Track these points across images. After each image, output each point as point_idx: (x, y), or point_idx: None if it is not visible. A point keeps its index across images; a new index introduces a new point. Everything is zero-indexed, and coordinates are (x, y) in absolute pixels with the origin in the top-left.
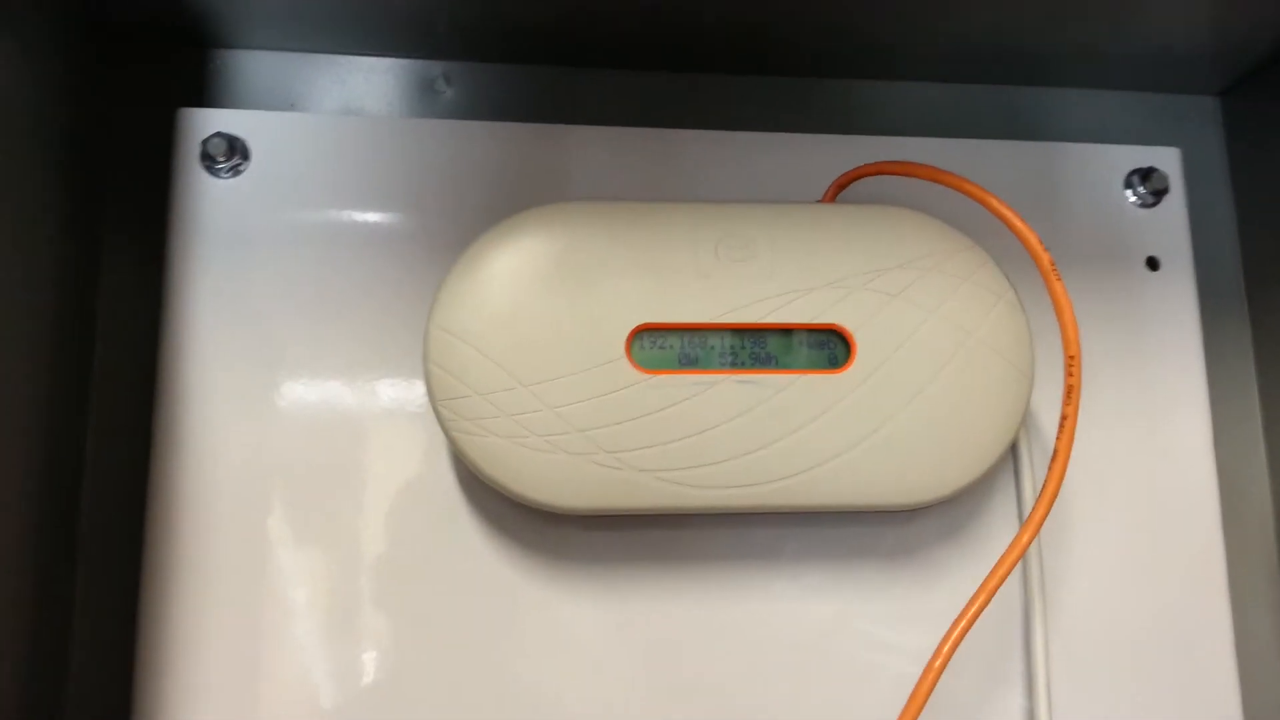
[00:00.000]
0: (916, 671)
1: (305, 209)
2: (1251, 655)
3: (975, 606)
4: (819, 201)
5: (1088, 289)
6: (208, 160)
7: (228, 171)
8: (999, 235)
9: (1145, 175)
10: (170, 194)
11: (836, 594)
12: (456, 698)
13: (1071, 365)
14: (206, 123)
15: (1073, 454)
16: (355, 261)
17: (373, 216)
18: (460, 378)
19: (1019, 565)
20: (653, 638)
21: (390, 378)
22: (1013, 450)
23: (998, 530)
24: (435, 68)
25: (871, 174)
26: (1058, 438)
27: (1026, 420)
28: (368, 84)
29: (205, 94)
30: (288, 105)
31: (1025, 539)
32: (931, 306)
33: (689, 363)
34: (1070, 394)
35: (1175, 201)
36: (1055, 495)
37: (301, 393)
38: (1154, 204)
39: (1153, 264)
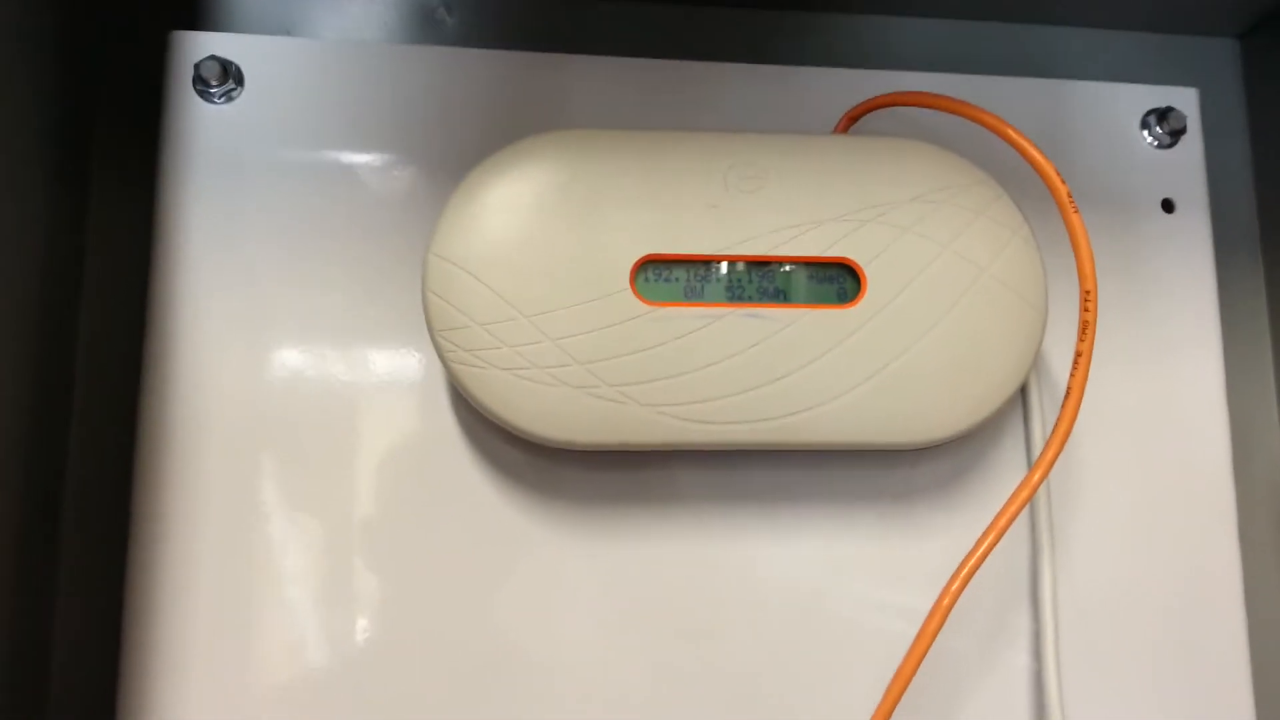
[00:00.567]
0: (920, 614)
1: (300, 136)
2: (1260, 601)
3: (984, 545)
4: (832, 133)
5: (1101, 231)
6: (201, 84)
7: (221, 97)
8: (1011, 174)
9: (1162, 115)
10: (162, 119)
11: (839, 537)
12: (449, 639)
13: (1087, 300)
14: (200, 46)
15: (1083, 396)
16: (351, 191)
17: (370, 145)
18: (460, 307)
19: (1026, 510)
20: (651, 579)
21: (388, 310)
22: (1021, 393)
23: (1004, 475)
24: None
25: (886, 105)
26: (1071, 375)
27: (1036, 361)
28: (366, 12)
29: (199, 17)
30: (283, 32)
31: (1036, 478)
32: (944, 241)
33: (694, 295)
34: (1085, 330)
35: (1192, 143)
36: (1068, 434)
37: (295, 324)
38: (1170, 145)
39: (1168, 206)
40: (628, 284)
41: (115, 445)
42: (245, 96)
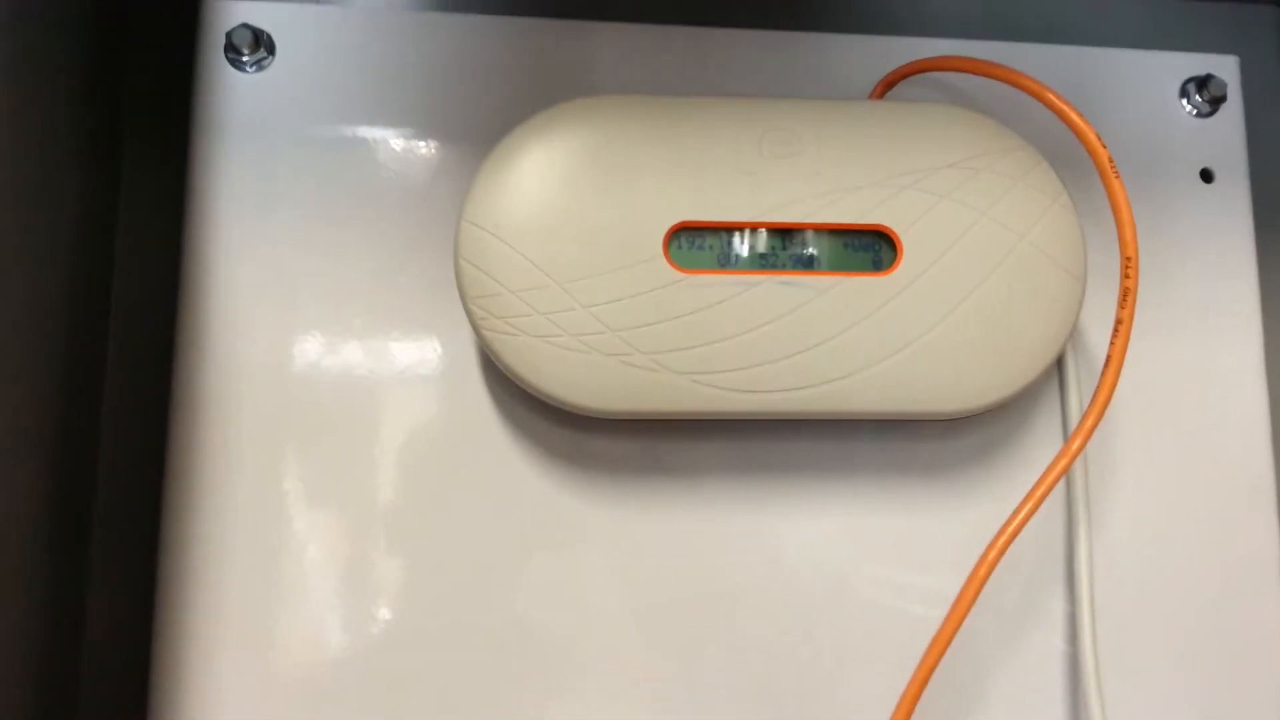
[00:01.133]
0: (945, 591)
1: (332, 105)
2: None
3: (1021, 515)
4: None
5: (1139, 200)
6: (232, 53)
7: (252, 65)
8: (1044, 142)
9: (1202, 83)
10: (193, 88)
11: (866, 511)
12: (478, 611)
13: (1128, 267)
14: (231, 14)
15: (1123, 365)
16: (383, 159)
17: (401, 113)
18: (492, 274)
19: (1058, 488)
20: (678, 552)
21: (419, 278)
22: (1058, 364)
23: (1039, 447)
24: None
25: (924, 70)
26: (1111, 343)
27: (1074, 331)
28: None
29: None
30: (313, 0)
31: (1076, 445)
32: (982, 208)
33: (728, 262)
34: (1126, 298)
35: (1232, 111)
36: (1107, 402)
37: (327, 293)
38: (1210, 114)
39: (1207, 176)
40: (661, 251)
41: (147, 422)
42: (276, 65)
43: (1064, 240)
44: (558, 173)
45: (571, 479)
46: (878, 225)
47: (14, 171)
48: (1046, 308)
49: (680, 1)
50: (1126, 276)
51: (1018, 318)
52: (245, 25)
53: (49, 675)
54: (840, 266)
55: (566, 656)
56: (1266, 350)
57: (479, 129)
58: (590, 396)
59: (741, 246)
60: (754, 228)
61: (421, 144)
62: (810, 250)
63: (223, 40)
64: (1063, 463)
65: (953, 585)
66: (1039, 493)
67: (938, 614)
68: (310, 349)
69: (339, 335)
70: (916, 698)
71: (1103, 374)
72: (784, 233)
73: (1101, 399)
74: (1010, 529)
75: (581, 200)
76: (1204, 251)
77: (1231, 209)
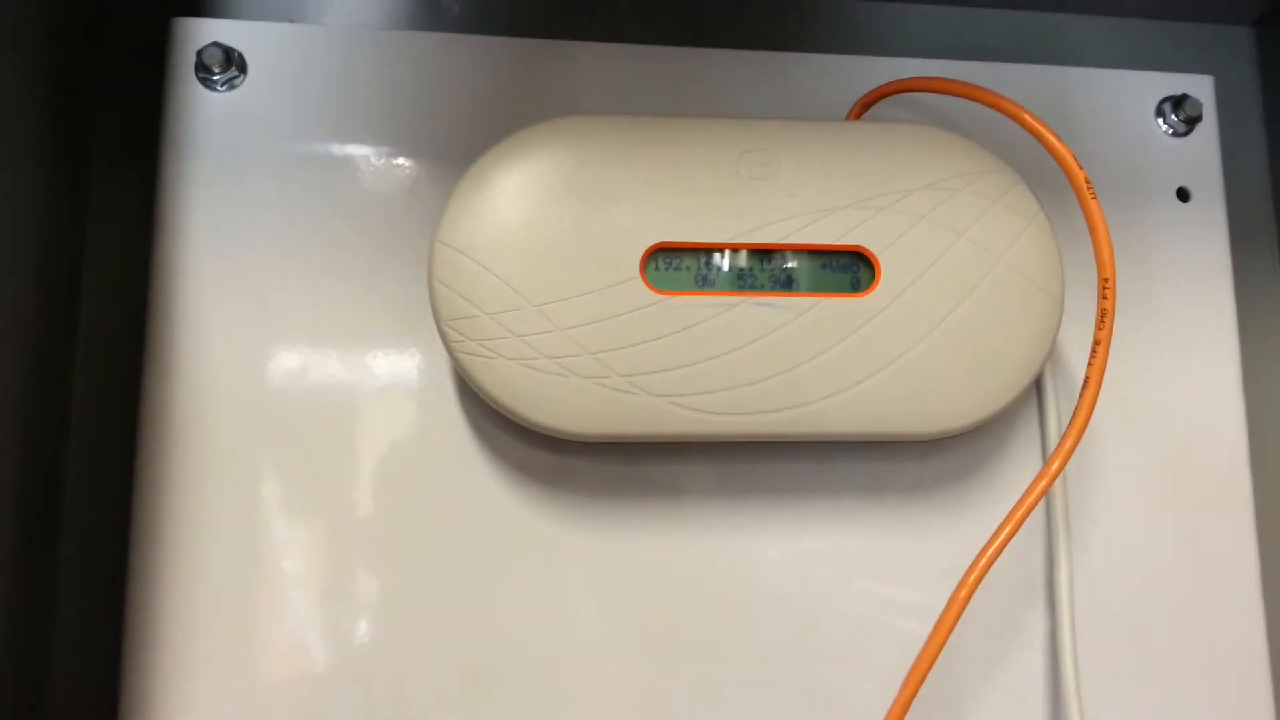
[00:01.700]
0: (927, 609)
1: (304, 124)
2: (1278, 594)
3: (1002, 536)
4: (844, 120)
5: (1116, 220)
6: (203, 72)
7: (223, 84)
8: (1020, 163)
9: (1177, 103)
10: (164, 107)
11: (848, 532)
12: (455, 635)
13: (1105, 289)
14: (202, 32)
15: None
16: (356, 179)
17: (374, 133)
18: (467, 296)
19: (1041, 503)
20: (658, 575)
21: (393, 299)
22: (1036, 384)
23: (1018, 468)
24: None
25: (901, 91)
26: (1089, 364)
27: (1052, 351)
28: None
29: (201, 3)
30: (286, 18)
31: (1055, 466)
32: (960, 229)
33: (706, 284)
34: (1104, 319)
35: (1207, 131)
36: (1086, 424)
37: (299, 314)
38: (1185, 133)
39: (1183, 195)
40: (638, 272)
41: (116, 440)
42: (248, 84)
43: (1041, 261)
44: (533, 193)
45: (549, 500)
46: (855, 246)
47: None
48: (1025, 328)
49: (657, 21)
50: (1104, 297)
51: (996, 338)
52: (216, 44)
53: (16, 695)
54: (818, 287)
55: (545, 678)
56: (1243, 368)
57: (453, 149)
58: (567, 420)
59: (719, 268)
60: (732, 249)
61: (395, 164)
62: (788, 271)
63: (193, 59)
64: (1042, 484)
65: (934, 604)
66: (1019, 514)
67: (919, 633)
68: (282, 370)
69: (311, 356)
70: (902, 716)
71: (1081, 394)
72: (762, 254)
73: (1080, 420)
74: (991, 550)
75: (557, 221)
76: (1181, 270)
77: (1208, 227)
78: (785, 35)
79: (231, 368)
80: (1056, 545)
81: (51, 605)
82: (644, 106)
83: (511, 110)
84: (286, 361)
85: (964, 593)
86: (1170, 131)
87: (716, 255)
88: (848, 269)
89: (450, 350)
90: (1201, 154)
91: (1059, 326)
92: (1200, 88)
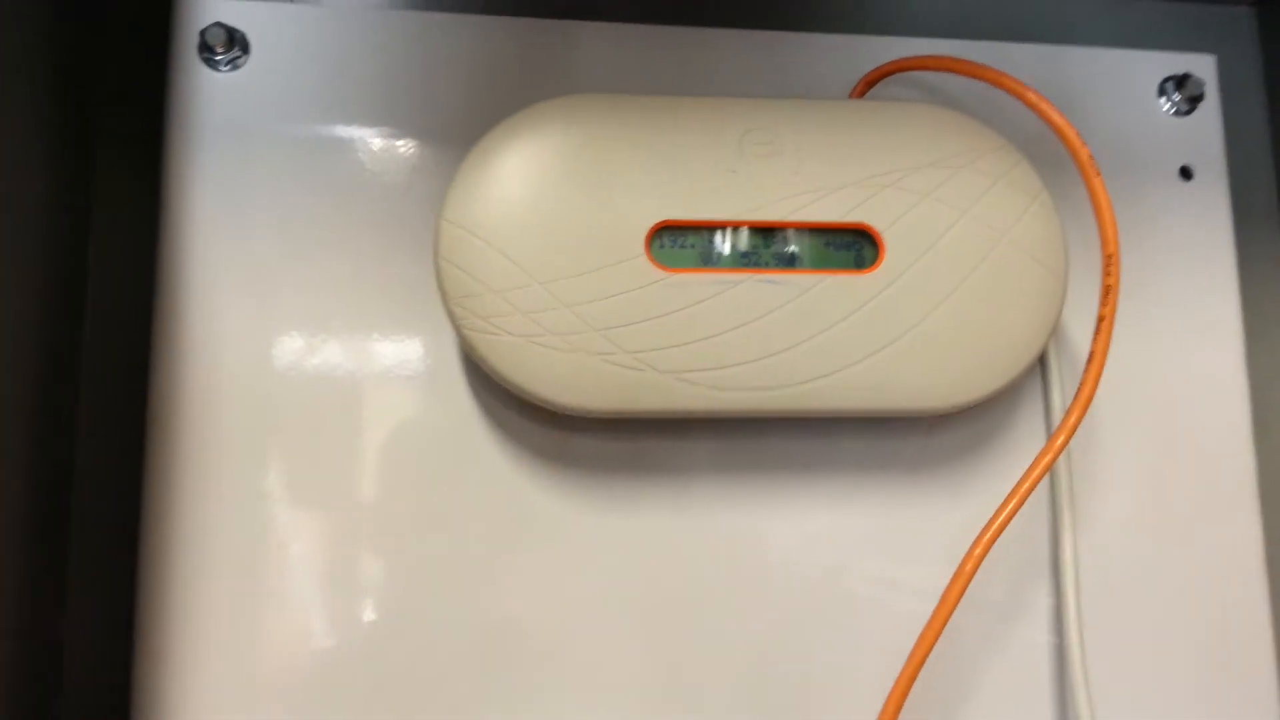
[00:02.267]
0: (931, 586)
1: (308, 104)
2: None
3: (1006, 511)
4: (848, 99)
5: (1118, 199)
6: (206, 52)
7: (226, 64)
8: (1023, 142)
9: (1180, 82)
10: (167, 87)
11: (853, 508)
12: (462, 616)
13: (1109, 265)
14: (205, 12)
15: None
16: (360, 159)
17: (378, 113)
18: (473, 274)
19: (1042, 485)
20: (663, 551)
21: (399, 278)
22: (1040, 361)
23: (1022, 444)
24: None
25: (905, 69)
26: (1094, 340)
27: (1055, 328)
28: None
29: None
30: None
31: (1060, 441)
32: (963, 206)
33: (711, 261)
34: (1108, 295)
35: (1210, 110)
36: (1090, 399)
37: (305, 295)
38: (1188, 112)
39: (1186, 174)
40: (643, 250)
41: (124, 428)
42: (251, 64)
43: (1044, 238)
44: (538, 172)
45: (555, 478)
46: (859, 224)
47: None
48: (1028, 305)
49: (660, 1)
50: (1108, 274)
51: (1000, 315)
52: (219, 24)
53: (29, 686)
54: (822, 265)
55: (552, 656)
56: (1247, 345)
57: (458, 128)
58: (575, 396)
59: (724, 245)
60: (736, 226)
61: (400, 143)
62: (792, 249)
63: (197, 39)
64: (1047, 459)
65: (938, 581)
66: (1024, 489)
67: (924, 609)
68: (289, 350)
69: (318, 336)
70: (905, 694)
71: (1085, 370)
72: (766, 231)
73: (1085, 395)
74: (995, 526)
75: (563, 199)
76: (1183, 248)
77: (1210, 206)
78: (788, 14)
79: (238, 349)
80: (1061, 521)
81: (62, 593)
82: (647, 87)
83: (515, 90)
84: (293, 343)
85: (969, 567)
86: (1173, 111)
87: (721, 233)
88: (851, 246)
89: (458, 328)
90: (1204, 133)
91: (1063, 303)
92: (1203, 67)
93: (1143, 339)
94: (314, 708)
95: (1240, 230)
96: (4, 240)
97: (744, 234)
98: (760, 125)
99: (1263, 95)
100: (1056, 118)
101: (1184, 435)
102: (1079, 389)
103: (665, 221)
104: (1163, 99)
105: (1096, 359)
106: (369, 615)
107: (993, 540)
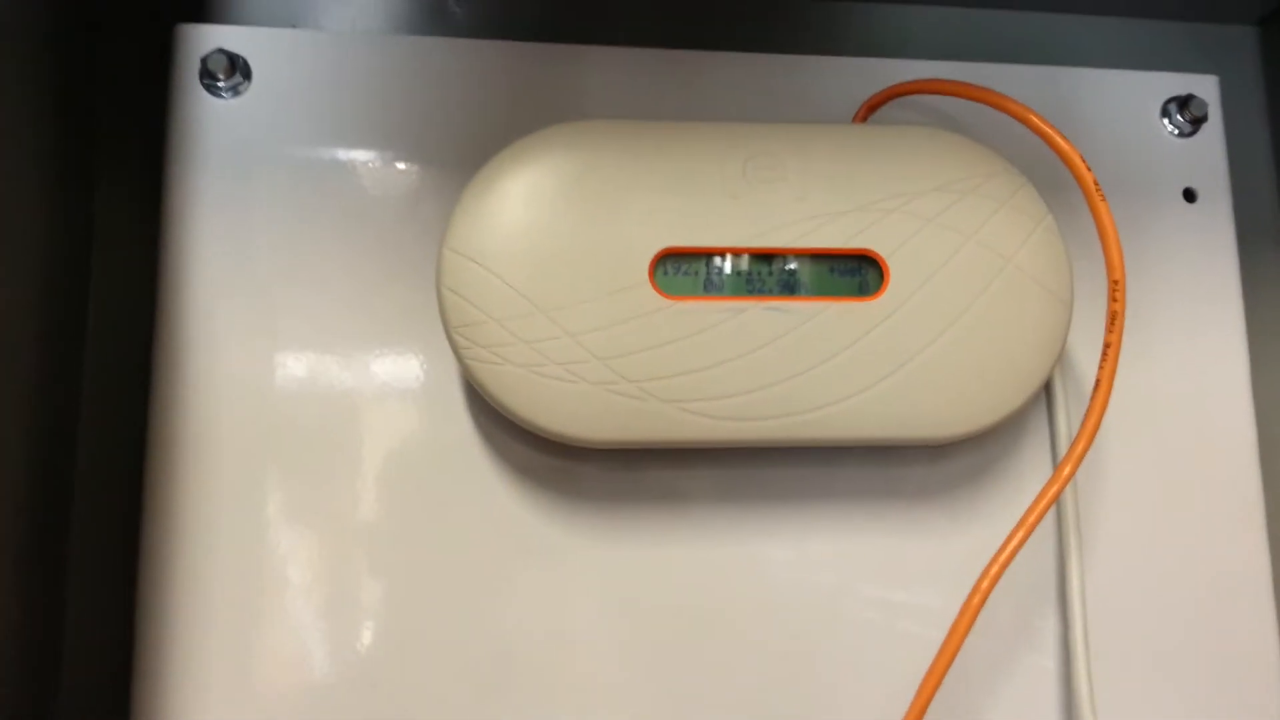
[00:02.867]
0: (937, 616)
1: (310, 131)
2: None
3: (1014, 542)
4: (851, 122)
5: (1122, 221)
6: (208, 79)
7: (228, 91)
8: (1029, 164)
9: (1183, 103)
10: (168, 114)
11: (859, 536)
12: (462, 643)
13: (1115, 290)
14: (206, 39)
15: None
16: (362, 185)
17: (380, 139)
18: (475, 302)
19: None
20: (667, 581)
21: (400, 306)
22: (1046, 388)
23: (1027, 473)
24: None
25: (909, 93)
26: (1100, 367)
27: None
28: (374, 4)
29: (205, 10)
30: (289, 24)
31: (1067, 471)
32: (968, 231)
33: (714, 289)
34: (1114, 321)
35: (1213, 131)
36: (1098, 426)
37: (305, 321)
38: (1191, 133)
39: (1189, 195)
40: (646, 277)
41: (125, 449)
42: (253, 90)
43: (1050, 263)
44: (541, 198)
45: (557, 504)
46: (863, 250)
47: None
48: (1034, 331)
49: (662, 25)
50: (1114, 299)
51: (1005, 342)
52: (221, 50)
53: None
54: (827, 291)
55: (552, 684)
56: (1252, 369)
57: (460, 154)
58: (577, 426)
59: (728, 272)
60: (740, 253)
61: (401, 170)
62: (796, 275)
63: (198, 66)
64: (1054, 489)
65: (943, 610)
66: (1030, 521)
67: (929, 639)
68: (289, 376)
69: (318, 363)
70: None
71: (1092, 398)
72: (770, 258)
73: (1092, 423)
74: (1003, 557)
75: (566, 226)
76: (1188, 271)
77: (1214, 228)
78: (790, 38)
79: (239, 374)
80: (1068, 548)
81: (61, 610)
82: (649, 111)
83: (517, 115)
84: (294, 370)
85: (977, 599)
86: (1176, 132)
87: (725, 260)
88: (856, 272)
89: (459, 357)
90: (1207, 154)
91: (1068, 329)
92: (1205, 88)
93: (1147, 362)
94: None
95: (1244, 251)
96: (5, 266)
97: (747, 260)
98: (764, 151)
99: (1266, 115)
100: (1061, 142)
101: (1190, 458)
102: (1086, 418)
103: (669, 249)
104: (1165, 120)
105: (1103, 386)
106: (367, 638)
107: (1000, 572)
